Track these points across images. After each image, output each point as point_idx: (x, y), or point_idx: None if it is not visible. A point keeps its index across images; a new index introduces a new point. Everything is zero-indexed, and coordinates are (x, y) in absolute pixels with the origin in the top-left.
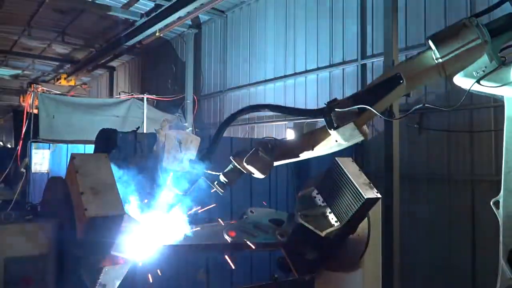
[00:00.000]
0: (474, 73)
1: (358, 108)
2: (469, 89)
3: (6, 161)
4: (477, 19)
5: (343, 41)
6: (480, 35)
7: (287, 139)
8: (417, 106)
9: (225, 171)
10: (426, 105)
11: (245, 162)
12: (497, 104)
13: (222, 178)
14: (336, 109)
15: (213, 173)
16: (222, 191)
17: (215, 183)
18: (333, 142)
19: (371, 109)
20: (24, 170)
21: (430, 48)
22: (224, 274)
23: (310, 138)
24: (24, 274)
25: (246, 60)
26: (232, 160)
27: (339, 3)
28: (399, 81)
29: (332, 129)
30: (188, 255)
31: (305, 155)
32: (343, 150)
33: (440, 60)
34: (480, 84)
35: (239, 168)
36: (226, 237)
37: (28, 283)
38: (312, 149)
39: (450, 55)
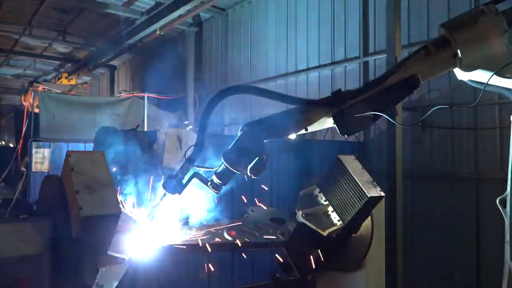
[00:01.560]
0: (488, 65)
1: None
2: (487, 82)
3: (7, 160)
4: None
5: (345, 38)
6: (500, 24)
7: (273, 117)
8: (438, 107)
9: (217, 171)
10: (453, 107)
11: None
12: (502, 101)
13: (215, 179)
14: (349, 114)
15: (205, 168)
16: (217, 192)
17: (209, 184)
18: (329, 123)
19: (389, 118)
20: (25, 169)
21: (444, 38)
22: (225, 274)
23: (304, 121)
24: (18, 274)
25: (247, 58)
26: (224, 161)
27: (341, 0)
28: (418, 84)
29: (345, 135)
30: (188, 254)
31: (295, 135)
32: (345, 148)
33: (459, 53)
34: (500, 76)
35: (231, 169)
36: (227, 236)
37: (22, 284)
38: (306, 130)
39: (468, 46)
